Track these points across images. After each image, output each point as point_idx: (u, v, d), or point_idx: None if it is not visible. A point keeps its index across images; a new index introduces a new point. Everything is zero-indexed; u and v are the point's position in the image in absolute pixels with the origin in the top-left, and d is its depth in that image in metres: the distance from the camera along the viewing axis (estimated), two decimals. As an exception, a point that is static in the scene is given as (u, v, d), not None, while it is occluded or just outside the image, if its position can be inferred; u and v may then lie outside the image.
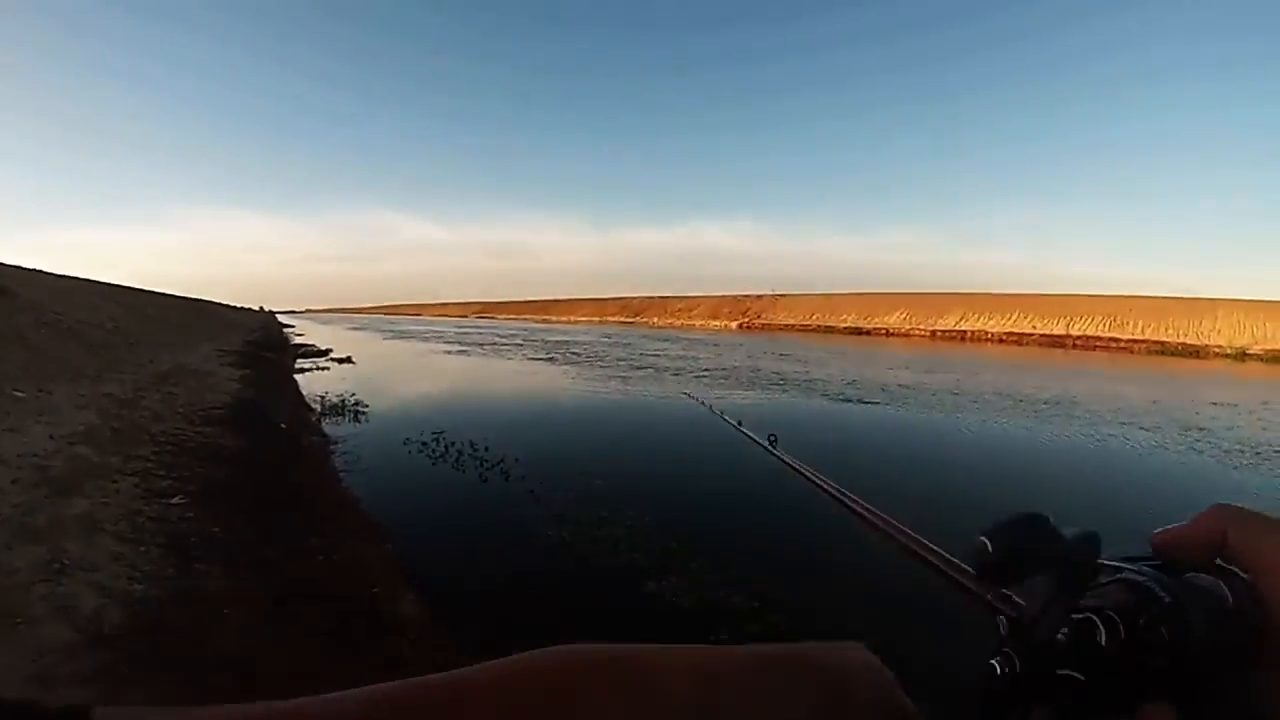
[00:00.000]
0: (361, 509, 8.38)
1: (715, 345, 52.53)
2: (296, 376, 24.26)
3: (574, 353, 40.35)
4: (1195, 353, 66.33)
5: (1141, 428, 17.10)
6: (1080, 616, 0.44)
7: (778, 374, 28.89)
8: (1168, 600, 0.42)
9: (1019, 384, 27.35)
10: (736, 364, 33.93)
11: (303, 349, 39.92)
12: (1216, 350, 66.74)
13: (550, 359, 35.70)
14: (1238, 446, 14.84)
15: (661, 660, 0.42)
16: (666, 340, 59.79)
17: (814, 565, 6.88)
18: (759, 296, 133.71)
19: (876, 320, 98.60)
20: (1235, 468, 12.89)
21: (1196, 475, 12.39)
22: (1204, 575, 0.44)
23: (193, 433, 9.91)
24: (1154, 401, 22.92)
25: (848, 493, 1.07)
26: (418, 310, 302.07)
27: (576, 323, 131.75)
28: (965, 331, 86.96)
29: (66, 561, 4.70)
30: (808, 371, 30.44)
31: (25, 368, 11.19)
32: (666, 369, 30.63)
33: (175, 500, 6.69)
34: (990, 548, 0.45)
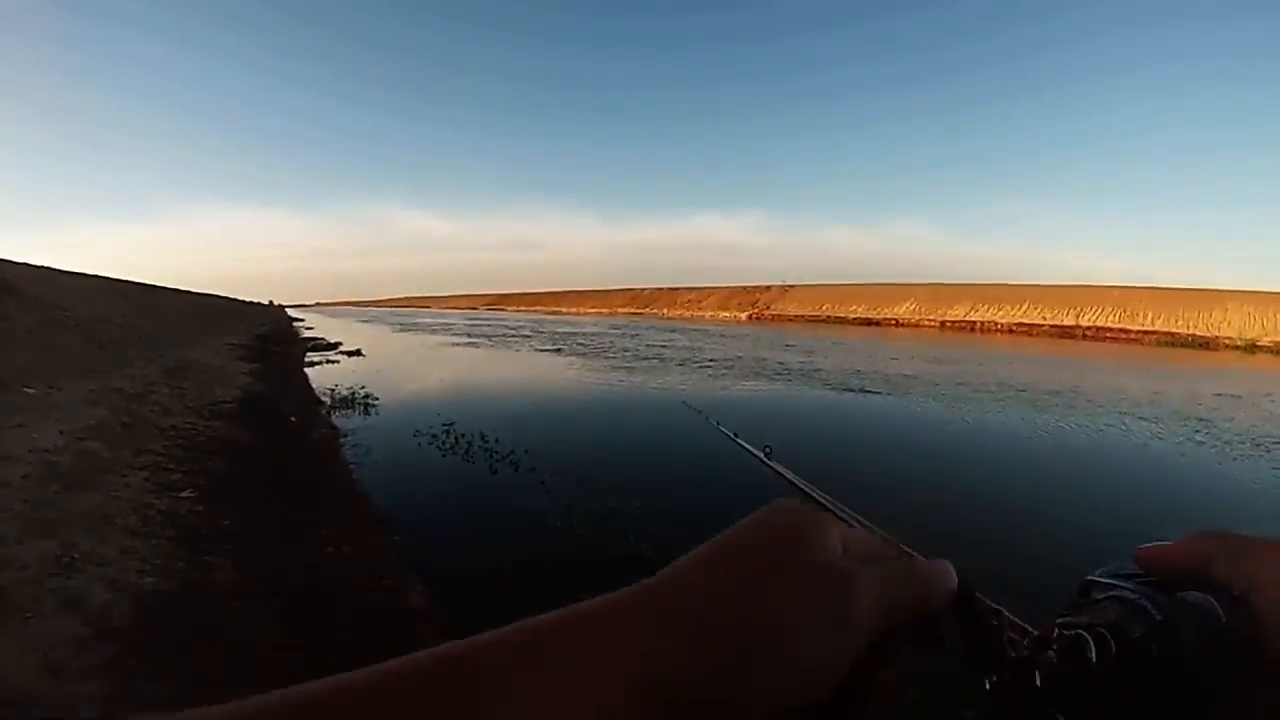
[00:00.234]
0: (371, 501, 8.43)
1: (722, 336, 52.45)
2: (306, 370, 24.39)
3: (581, 344, 40.40)
4: (1205, 344, 65.57)
5: (1141, 418, 17.05)
6: (1072, 634, 0.44)
7: (781, 364, 28.86)
8: (1159, 618, 0.42)
9: (1022, 375, 27.23)
10: (741, 354, 33.87)
11: (312, 342, 40.14)
12: (1226, 342, 66.05)
13: (557, 350, 35.81)
14: (1237, 437, 14.75)
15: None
16: (674, 331, 59.78)
17: None
18: (768, 288, 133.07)
19: (886, 311, 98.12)
20: (1233, 459, 12.78)
21: (1193, 465, 12.39)
22: (1196, 592, 0.44)
23: (202, 427, 9.98)
24: (1156, 393, 22.79)
25: (843, 505, 1.08)
26: (427, 303, 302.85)
27: (586, 314, 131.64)
28: (975, 322, 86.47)
29: (76, 555, 4.74)
30: (812, 362, 30.35)
31: (35, 364, 11.30)
32: (671, 360, 30.61)
33: (185, 494, 6.75)
34: None
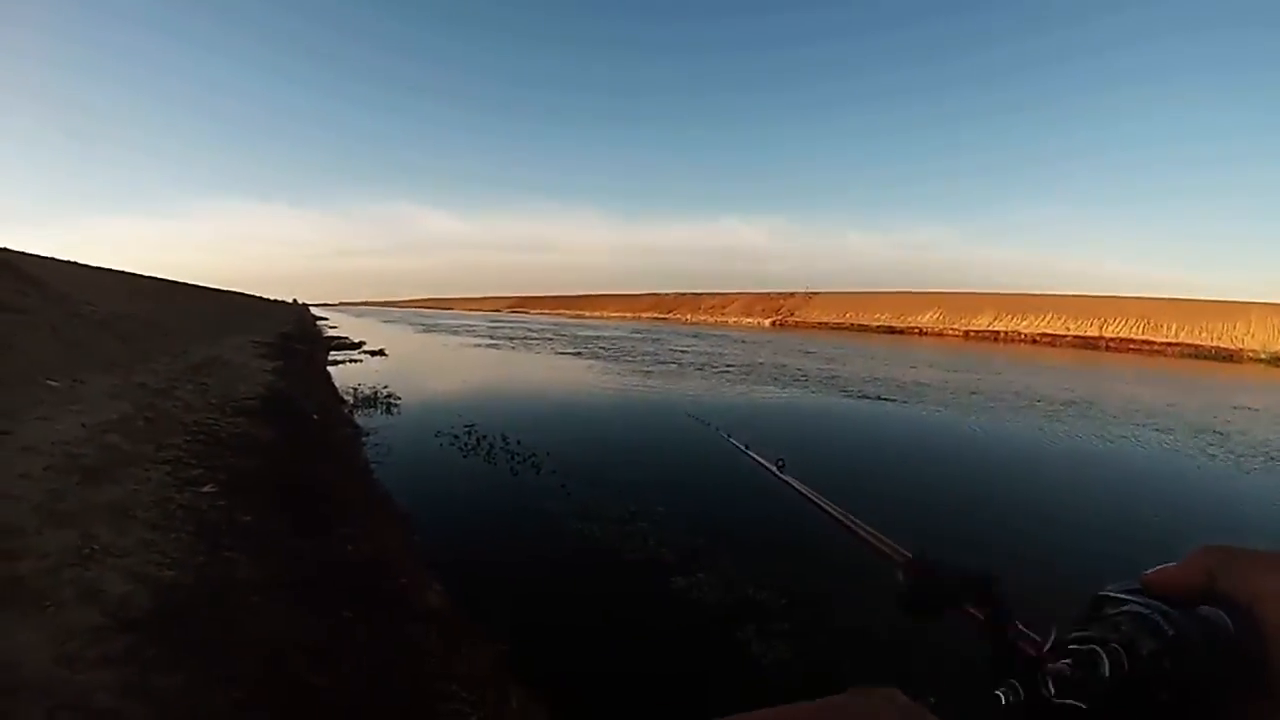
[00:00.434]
0: (391, 500, 8.46)
1: (743, 342, 52.57)
2: (329, 369, 24.62)
3: (602, 348, 40.77)
4: (1229, 357, 65.52)
5: (1156, 429, 17.03)
6: (1085, 648, 0.46)
7: (800, 370, 29.24)
8: (1171, 633, 0.43)
9: (1039, 384, 27.30)
10: (762, 361, 34.08)
11: (336, 341, 40.54)
12: (1250, 355, 65.83)
13: (578, 353, 36.17)
14: (1251, 451, 14.63)
15: None
16: (695, 337, 60.07)
17: (834, 564, 6.79)
18: (792, 294, 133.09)
19: (910, 319, 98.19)
20: (1246, 472, 12.69)
21: (1204, 479, 12.31)
22: (1207, 607, 0.44)
23: (225, 423, 10.04)
24: (1171, 404, 22.79)
25: (853, 516, 1.09)
26: (450, 304, 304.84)
27: (609, 318, 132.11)
28: (998, 332, 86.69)
29: (96, 547, 4.76)
30: (831, 369, 30.70)
31: (58, 358, 11.45)
32: (690, 364, 30.98)
33: (206, 488, 6.77)
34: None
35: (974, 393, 23.28)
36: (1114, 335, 77.96)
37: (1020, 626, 0.54)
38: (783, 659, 5.12)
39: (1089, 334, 79.60)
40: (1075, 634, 0.48)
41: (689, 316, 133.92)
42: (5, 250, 20.54)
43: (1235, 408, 22.77)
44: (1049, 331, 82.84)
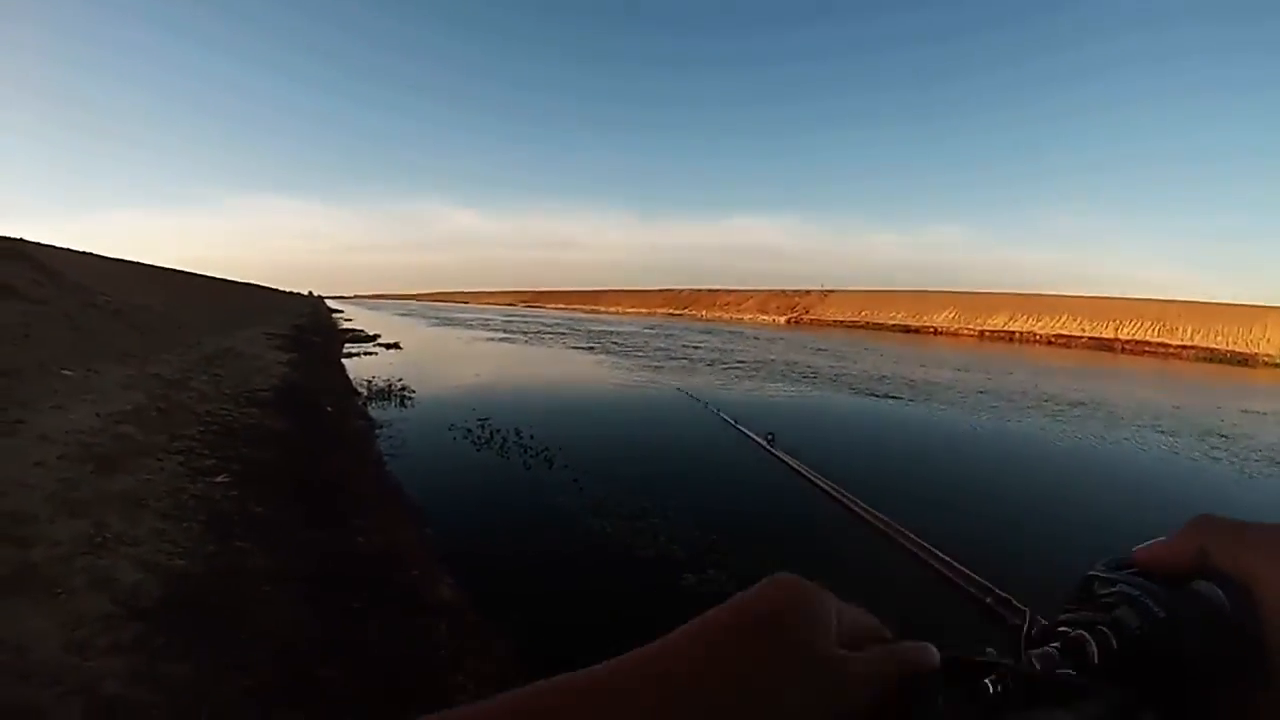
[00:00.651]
0: (404, 493, 8.50)
1: (756, 339, 52.48)
2: (344, 361, 24.75)
3: (615, 343, 40.83)
4: (1244, 361, 64.77)
5: (1159, 431, 16.97)
6: (1073, 633, 0.45)
7: (810, 368, 29.21)
8: (1161, 615, 0.42)
9: (1047, 385, 27.19)
10: (772, 357, 34.02)
11: (351, 334, 40.75)
12: (1266, 359, 65.19)
13: (590, 348, 36.28)
14: (1254, 455, 14.50)
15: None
16: (708, 333, 60.00)
17: (843, 558, 6.78)
18: (808, 292, 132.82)
19: (925, 319, 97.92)
20: (1249, 476, 12.63)
21: (1204, 481, 12.32)
22: (1204, 583, 0.44)
23: (238, 414, 10.13)
24: (1178, 407, 22.63)
25: (842, 489, 1.10)
26: (466, 298, 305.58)
27: (624, 314, 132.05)
28: (1013, 332, 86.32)
29: (108, 535, 4.82)
30: (841, 366, 30.69)
31: (73, 348, 11.57)
32: (701, 360, 31.08)
33: (219, 479, 6.84)
34: None
35: (981, 392, 23.21)
36: (1129, 337, 77.47)
37: (1015, 602, 0.55)
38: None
39: (1104, 335, 79.10)
40: (1064, 615, 0.47)
41: (704, 313, 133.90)
42: (22, 241, 20.80)
43: (1244, 411, 22.55)
44: (1064, 333, 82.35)
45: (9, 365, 9.28)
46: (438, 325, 60.77)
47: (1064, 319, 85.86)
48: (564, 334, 49.65)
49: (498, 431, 12.35)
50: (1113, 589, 0.46)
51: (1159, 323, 78.51)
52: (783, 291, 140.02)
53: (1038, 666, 0.44)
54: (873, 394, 21.24)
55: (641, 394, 19.27)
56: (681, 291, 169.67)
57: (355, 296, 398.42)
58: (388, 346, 32.72)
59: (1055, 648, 0.45)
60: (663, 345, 39.54)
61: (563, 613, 5.77)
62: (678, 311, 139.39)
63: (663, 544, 7.22)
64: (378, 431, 12.25)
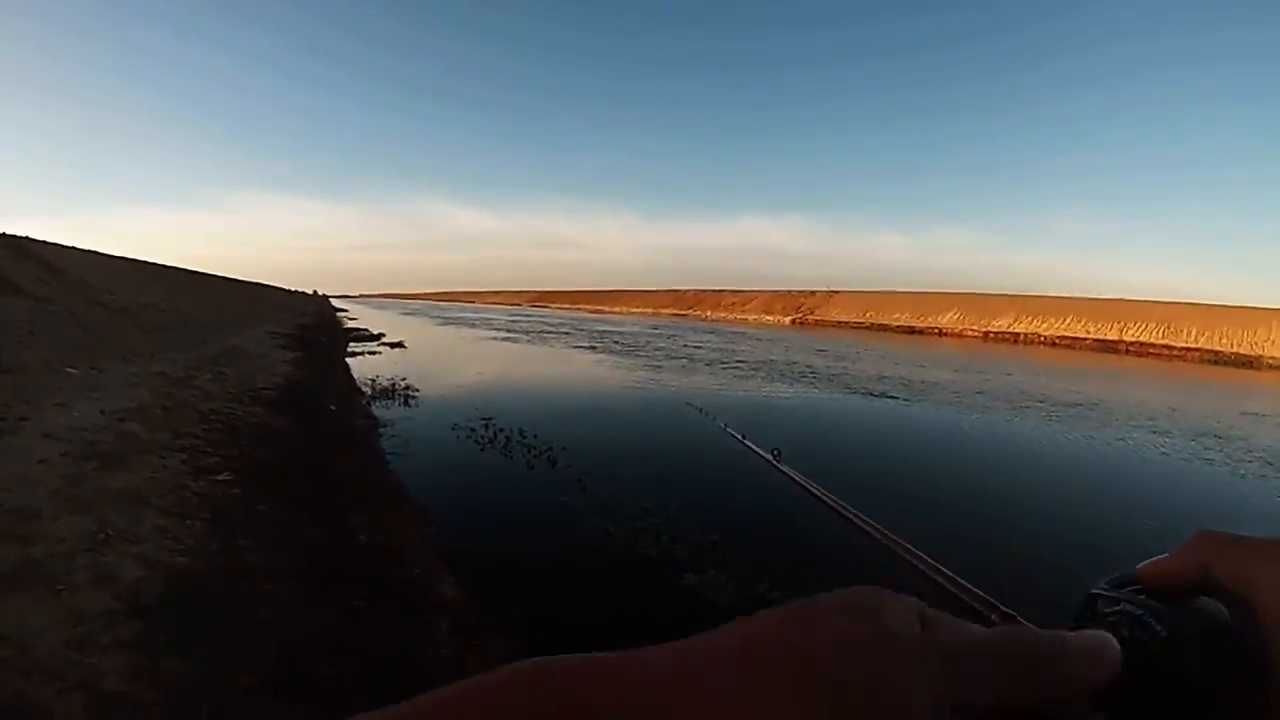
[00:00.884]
0: (407, 492, 8.50)
1: (758, 339, 52.51)
2: (348, 360, 24.78)
3: (616, 343, 40.94)
4: (1248, 363, 64.85)
5: (1155, 432, 17.00)
6: None
7: (810, 368, 29.31)
8: (1164, 634, 0.41)
9: (1046, 386, 27.28)
10: (774, 358, 34.11)
11: (355, 333, 40.80)
12: (1270, 361, 65.25)
13: (592, 348, 36.46)
14: (1249, 456, 14.51)
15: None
16: (711, 333, 60.12)
17: (846, 567, 6.78)
18: (813, 293, 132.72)
19: (930, 320, 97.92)
20: (1242, 476, 12.63)
21: (1196, 482, 12.34)
22: (1207, 599, 0.43)
23: (242, 412, 10.16)
24: (1174, 408, 22.63)
25: (845, 504, 1.11)
26: (471, 298, 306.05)
27: (629, 314, 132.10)
28: (1018, 334, 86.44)
29: (110, 532, 4.84)
30: (841, 366, 30.82)
31: (78, 346, 11.62)
32: (701, 360, 31.19)
33: (222, 477, 6.86)
34: None
35: (979, 392, 23.27)
36: (1133, 339, 77.49)
37: (1019, 619, 0.54)
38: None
39: (1108, 337, 79.16)
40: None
41: (709, 313, 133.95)
42: (28, 239, 20.88)
43: (1242, 413, 22.56)
44: (1068, 334, 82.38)
45: (14, 362, 9.33)
46: (442, 325, 60.85)
47: (1069, 320, 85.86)
48: (567, 334, 49.73)
49: (501, 431, 12.36)
50: (1116, 608, 0.45)
51: (1163, 325, 78.50)
52: (788, 292, 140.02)
53: None
54: (870, 394, 21.37)
55: (646, 396, 19.26)
56: (686, 292, 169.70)
57: (360, 296, 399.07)
58: (392, 346, 32.75)
59: None
60: (664, 345, 39.62)
61: (565, 611, 5.77)
62: (682, 312, 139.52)
63: (665, 543, 7.22)
64: (381, 430, 12.26)
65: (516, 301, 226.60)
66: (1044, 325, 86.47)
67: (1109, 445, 15.04)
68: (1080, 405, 21.42)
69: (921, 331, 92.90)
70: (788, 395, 20.42)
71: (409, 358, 27.60)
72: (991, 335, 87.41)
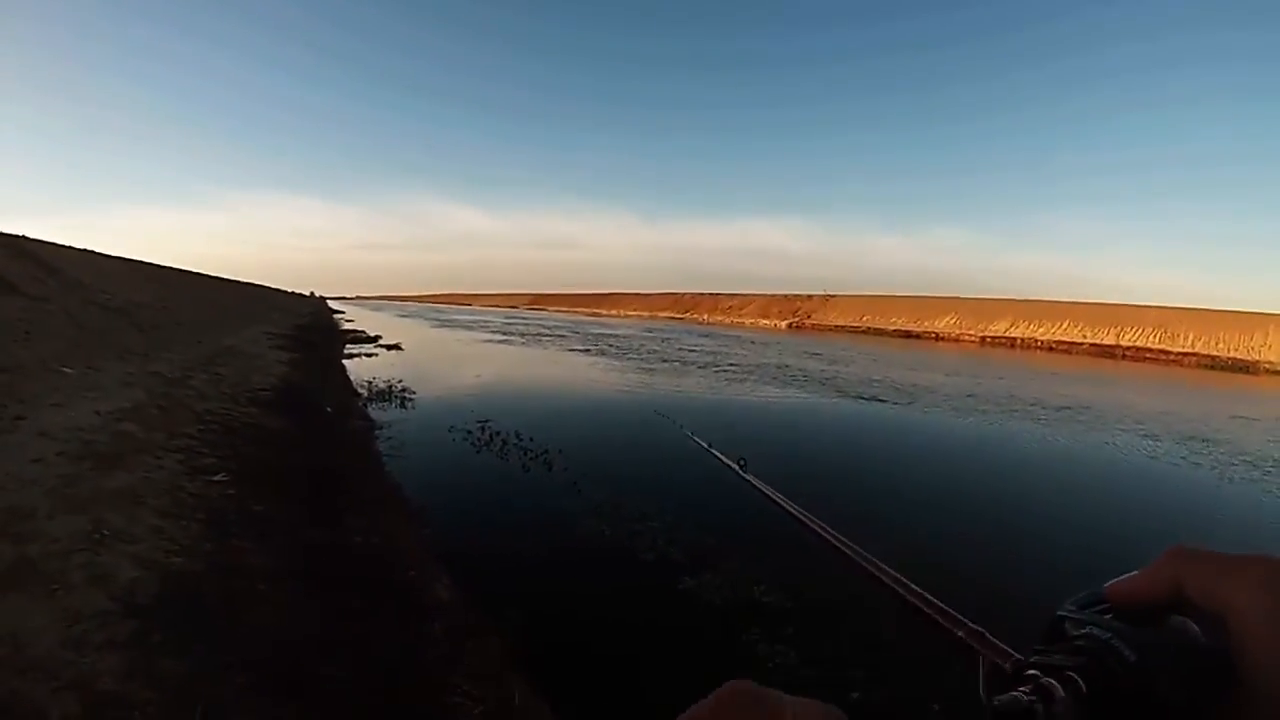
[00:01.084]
0: (403, 493, 8.51)
1: (753, 343, 52.62)
2: (345, 361, 24.80)
3: (610, 345, 41.21)
4: (1246, 368, 64.64)
5: (1143, 436, 17.14)
6: (1042, 680, 0.43)
7: (802, 371, 29.58)
8: (1132, 658, 0.41)
9: (1038, 390, 27.45)
10: (766, 361, 34.39)
11: (352, 335, 40.83)
12: (1267, 366, 65.01)
13: (586, 350, 36.74)
14: (1235, 460, 14.63)
15: None
16: (706, 336, 60.23)
17: (823, 578, 6.81)
18: (810, 297, 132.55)
19: (927, 324, 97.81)
20: (1229, 480, 12.73)
21: (1181, 486, 12.47)
22: (1179, 618, 0.43)
23: (238, 413, 10.15)
24: (1164, 412, 22.84)
25: (812, 515, 1.12)
26: (468, 300, 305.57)
27: (626, 317, 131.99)
28: (1015, 338, 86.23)
29: (106, 533, 4.83)
30: (832, 370, 31.05)
31: (74, 345, 11.60)
32: (693, 363, 31.42)
33: (218, 478, 6.85)
34: None
35: (969, 395, 23.45)
36: (1130, 344, 77.38)
37: (989, 635, 0.53)
38: (789, 663, 5.11)
39: (1105, 342, 78.98)
40: (1034, 659, 0.46)
41: (706, 317, 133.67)
42: (24, 238, 20.86)
43: (1232, 417, 22.72)
44: (1065, 339, 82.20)
45: (10, 362, 9.31)
46: (439, 327, 60.88)
47: (1065, 325, 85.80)
48: (563, 336, 49.79)
49: (497, 434, 12.39)
50: (1083, 630, 0.45)
51: (1160, 329, 78.43)
52: (785, 296, 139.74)
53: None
54: (859, 397, 21.52)
55: (641, 399, 19.30)
56: (684, 295, 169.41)
57: (357, 297, 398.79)
58: (388, 348, 32.79)
59: (1023, 692, 0.43)
60: (657, 349, 39.76)
61: (561, 612, 5.79)
62: (679, 315, 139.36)
63: (661, 546, 7.25)
64: (377, 432, 12.28)
65: (514, 304, 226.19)
66: (1041, 330, 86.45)
67: (1096, 449, 15.14)
68: (1071, 409, 21.57)
69: (918, 336, 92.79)
70: (772, 399, 20.58)
71: (405, 360, 27.64)
72: (989, 340, 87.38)
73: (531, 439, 11.97)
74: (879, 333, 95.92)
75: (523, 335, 49.49)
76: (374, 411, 14.48)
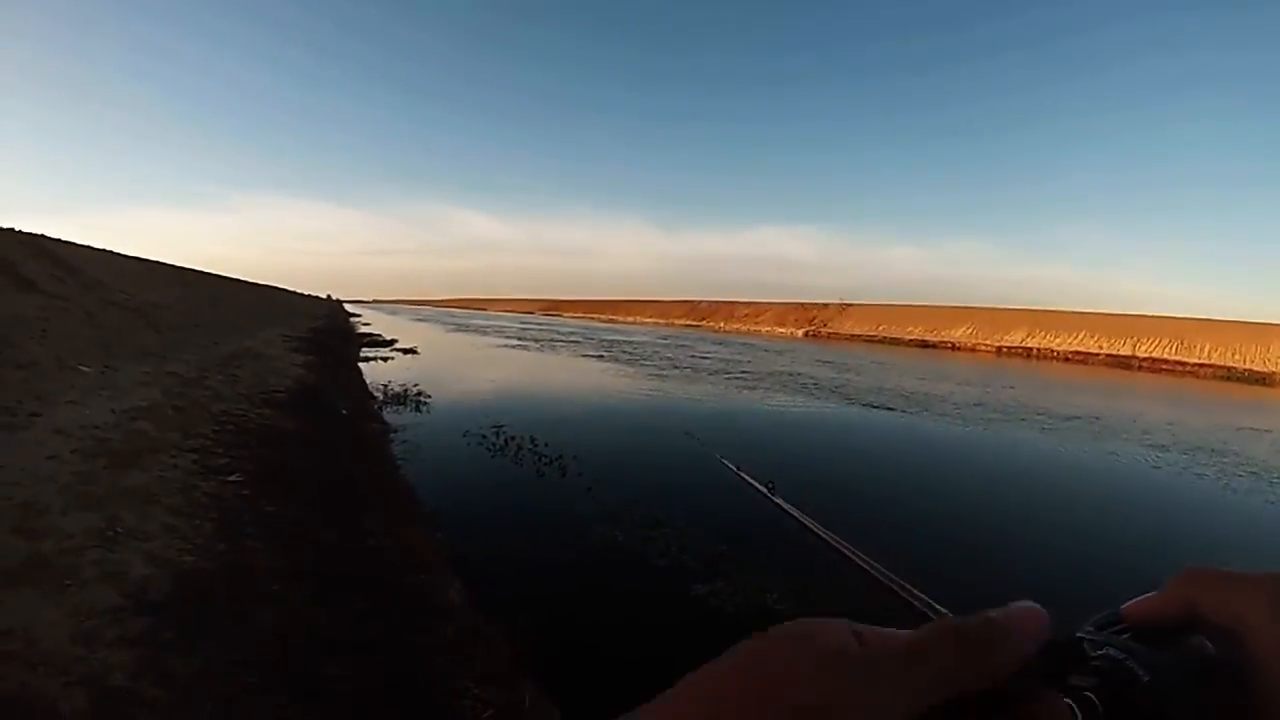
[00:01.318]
0: (416, 497, 8.53)
1: (766, 351, 52.81)
2: (360, 365, 24.93)
3: (624, 352, 41.36)
4: (1262, 379, 64.00)
5: (1147, 445, 17.18)
6: (1062, 702, 0.41)
7: (813, 379, 29.66)
8: (1147, 679, 0.41)
9: (1047, 400, 27.40)
10: (779, 369, 34.50)
11: (368, 338, 41.13)
12: None
13: (599, 356, 36.91)
14: (1240, 471, 14.59)
15: None
16: (720, 344, 60.33)
17: (839, 586, 6.76)
18: (826, 305, 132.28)
19: (943, 334, 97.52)
20: (1233, 491, 12.71)
21: (1186, 495, 12.46)
22: (1195, 638, 0.43)
23: (254, 414, 10.21)
24: (1172, 422, 22.75)
25: (838, 538, 1.11)
26: (483, 305, 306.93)
27: (641, 324, 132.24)
28: (1031, 349, 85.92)
29: (120, 530, 4.87)
30: (843, 378, 31.17)
31: (92, 344, 11.72)
32: (705, 369, 31.67)
33: (232, 478, 6.88)
34: None
35: (978, 405, 23.46)
36: (1146, 355, 76.98)
37: None
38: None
39: (1121, 353, 78.59)
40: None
41: (721, 325, 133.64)
42: (43, 237, 21.06)
43: (1239, 428, 22.57)
44: (1081, 349, 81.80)
45: (27, 359, 9.40)
46: (454, 331, 61.20)
47: (1081, 336, 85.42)
48: (576, 342, 49.97)
49: (512, 439, 12.41)
50: (1100, 651, 0.44)
51: (1177, 340, 78.03)
52: (801, 304, 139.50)
53: None
54: (869, 405, 21.63)
55: (656, 406, 19.35)
56: (700, 303, 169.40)
57: (374, 301, 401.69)
58: (404, 351, 32.98)
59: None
60: (670, 355, 39.94)
61: (572, 617, 5.78)
62: (695, 323, 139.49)
63: (674, 553, 7.23)
64: (392, 436, 12.32)
65: (529, 310, 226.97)
66: (1057, 340, 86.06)
67: (1102, 459, 15.19)
68: (1080, 419, 21.60)
69: (934, 346, 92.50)
70: (779, 405, 20.66)
71: (421, 363, 27.78)
72: (1004, 350, 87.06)
73: (546, 444, 11.97)
74: (895, 342, 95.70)
75: (537, 341, 49.69)
76: (389, 415, 14.54)
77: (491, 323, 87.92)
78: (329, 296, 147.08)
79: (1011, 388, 32.07)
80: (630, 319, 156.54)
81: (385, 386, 18.29)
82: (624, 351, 41.20)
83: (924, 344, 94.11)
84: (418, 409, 15.73)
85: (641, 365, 31.86)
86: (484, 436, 12.63)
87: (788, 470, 10.93)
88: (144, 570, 4.36)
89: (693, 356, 40.36)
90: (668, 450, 13.15)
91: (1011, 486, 12.49)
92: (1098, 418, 22.08)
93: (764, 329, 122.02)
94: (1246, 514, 11.30)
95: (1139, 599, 0.46)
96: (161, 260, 37.19)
